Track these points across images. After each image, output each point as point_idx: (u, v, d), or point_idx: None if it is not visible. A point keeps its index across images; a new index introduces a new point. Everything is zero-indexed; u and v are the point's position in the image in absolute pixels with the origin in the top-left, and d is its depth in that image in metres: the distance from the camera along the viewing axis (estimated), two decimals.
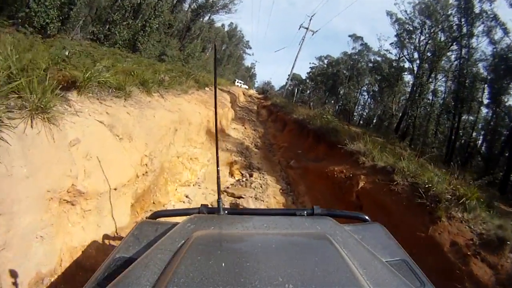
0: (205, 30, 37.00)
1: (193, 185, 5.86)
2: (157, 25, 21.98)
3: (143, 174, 4.04)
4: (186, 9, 35.87)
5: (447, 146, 23.85)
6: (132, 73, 5.53)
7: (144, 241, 1.24)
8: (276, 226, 1.27)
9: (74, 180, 2.67)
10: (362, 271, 0.88)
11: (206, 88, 16.27)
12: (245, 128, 14.93)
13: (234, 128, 13.76)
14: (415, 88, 28.04)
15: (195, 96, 10.22)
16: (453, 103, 25.25)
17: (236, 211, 1.75)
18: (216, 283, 0.76)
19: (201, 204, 1.54)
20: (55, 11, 13.42)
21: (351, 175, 5.78)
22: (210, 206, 1.54)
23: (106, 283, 0.91)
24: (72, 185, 2.65)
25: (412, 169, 4.89)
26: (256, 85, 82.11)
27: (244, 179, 6.86)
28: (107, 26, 19.92)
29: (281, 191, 6.93)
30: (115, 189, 3.29)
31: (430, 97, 29.47)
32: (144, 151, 4.11)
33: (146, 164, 4.11)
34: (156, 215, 1.58)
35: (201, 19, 38.24)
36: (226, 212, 1.47)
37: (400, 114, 31.40)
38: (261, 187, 6.51)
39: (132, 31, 20.44)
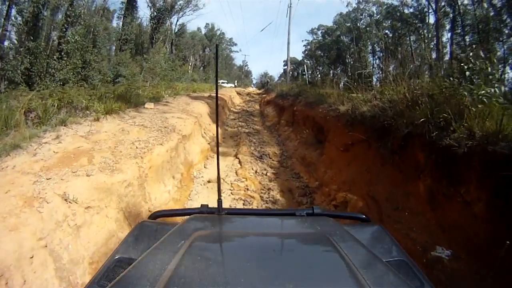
0: (170, 33, 29.04)
1: None
2: (76, 38, 13.91)
3: None
4: (142, 18, 28.92)
5: None
6: None
7: (144, 241, 1.13)
8: (276, 226, 1.23)
9: None
10: (362, 271, 0.78)
11: (147, 106, 8.09)
12: (239, 164, 6.60)
13: (209, 183, 5.48)
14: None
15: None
16: None
17: (236, 211, 1.69)
18: (216, 283, 0.70)
19: (201, 204, 1.40)
20: None
21: None
22: (210, 206, 1.40)
23: (106, 283, 0.89)
24: None
25: None
26: (254, 82, 73.13)
27: None
28: None
29: None
30: None
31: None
32: None
33: None
34: (155, 215, 1.44)
35: (167, 24, 30.69)
36: (226, 212, 1.33)
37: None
38: None
39: (34, 56, 12.60)
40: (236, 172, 6.00)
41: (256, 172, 6.18)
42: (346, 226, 1.24)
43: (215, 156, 7.17)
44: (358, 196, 4.19)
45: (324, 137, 6.54)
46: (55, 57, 13.95)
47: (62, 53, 13.88)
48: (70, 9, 14.79)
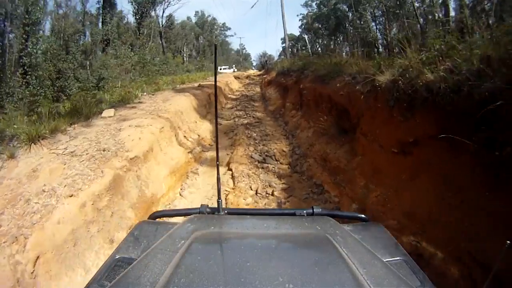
0: (154, 25, 26.82)
1: None
2: (40, 47, 11.98)
3: None
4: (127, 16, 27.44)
5: None
6: None
7: (144, 241, 1.10)
8: (276, 226, 1.15)
9: None
10: (362, 271, 0.77)
11: (105, 114, 5.98)
12: (232, 180, 4.45)
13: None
14: None
15: None
16: None
17: (236, 211, 1.57)
18: (216, 283, 0.68)
19: (201, 204, 1.32)
20: None
21: None
22: (210, 206, 1.32)
23: (106, 283, 0.86)
24: None
25: None
26: (254, 64, 69.67)
27: None
28: None
29: None
30: None
31: None
32: None
33: None
34: (155, 215, 1.37)
35: (153, 16, 28.55)
36: (226, 212, 1.29)
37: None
38: None
39: None
40: (225, 198, 3.88)
41: (256, 193, 4.03)
42: (346, 226, 1.20)
43: (199, 170, 5.00)
44: (445, 252, 2.03)
45: (352, 125, 4.32)
46: (18, 73, 12.07)
47: (26, 67, 11.92)
48: (27, 16, 12.62)
